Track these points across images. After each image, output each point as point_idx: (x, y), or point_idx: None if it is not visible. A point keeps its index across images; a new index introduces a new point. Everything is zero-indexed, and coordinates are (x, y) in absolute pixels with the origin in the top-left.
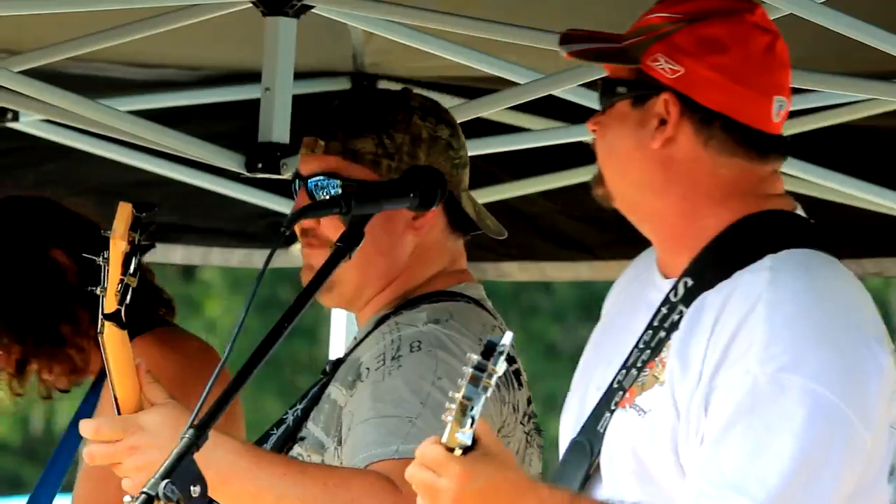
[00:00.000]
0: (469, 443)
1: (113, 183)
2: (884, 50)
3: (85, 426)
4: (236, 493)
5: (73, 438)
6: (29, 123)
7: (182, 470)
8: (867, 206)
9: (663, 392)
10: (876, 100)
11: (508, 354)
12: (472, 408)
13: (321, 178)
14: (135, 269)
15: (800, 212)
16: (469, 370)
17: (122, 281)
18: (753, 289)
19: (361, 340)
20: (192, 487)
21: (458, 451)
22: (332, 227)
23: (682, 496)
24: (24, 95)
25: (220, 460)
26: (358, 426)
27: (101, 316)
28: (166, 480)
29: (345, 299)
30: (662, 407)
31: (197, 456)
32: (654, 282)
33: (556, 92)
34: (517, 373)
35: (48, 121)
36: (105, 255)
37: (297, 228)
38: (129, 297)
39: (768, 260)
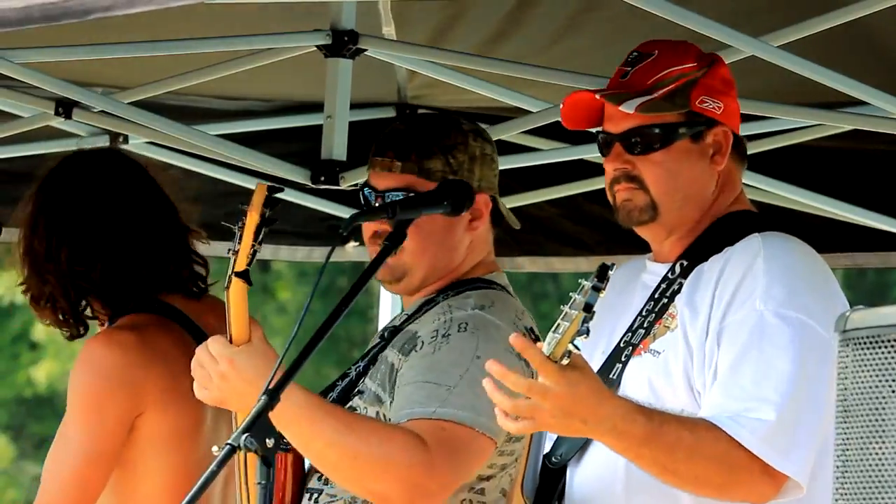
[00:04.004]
0: (580, 350)
1: (203, 193)
2: (829, 84)
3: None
4: (296, 434)
5: None
6: (136, 145)
7: (259, 426)
8: (815, 211)
9: (675, 335)
10: (822, 125)
11: (532, 333)
12: (590, 319)
13: (399, 192)
14: (262, 238)
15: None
16: (587, 290)
17: (253, 246)
18: (750, 250)
19: (413, 316)
20: (266, 440)
21: (566, 360)
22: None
23: (707, 410)
24: (132, 122)
25: (288, 407)
26: (405, 386)
27: (230, 272)
28: (246, 434)
29: (411, 288)
30: (676, 347)
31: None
32: (647, 268)
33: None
34: (531, 330)
35: (151, 142)
36: (241, 224)
37: (370, 230)
38: (255, 260)
39: (757, 235)
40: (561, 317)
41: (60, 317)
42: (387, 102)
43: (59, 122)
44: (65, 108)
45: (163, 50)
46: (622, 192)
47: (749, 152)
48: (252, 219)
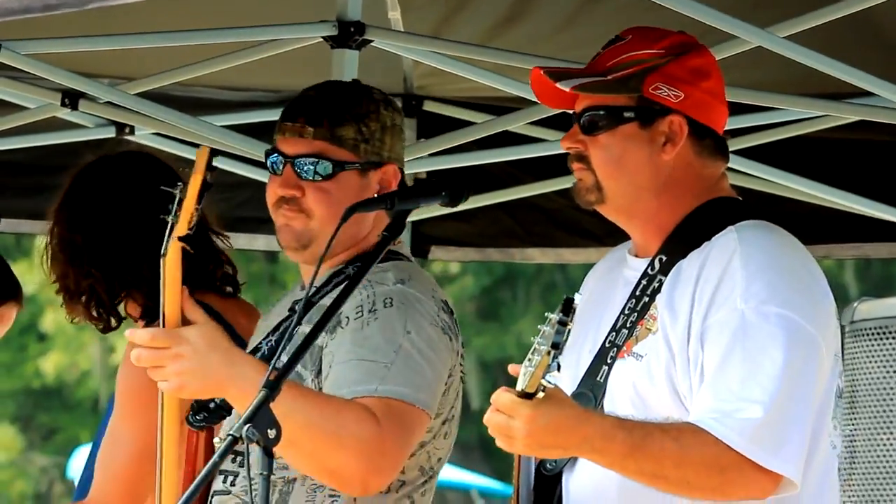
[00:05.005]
0: (554, 385)
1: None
2: (835, 75)
3: (138, 333)
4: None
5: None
6: (142, 136)
7: (261, 417)
8: (822, 201)
9: (656, 338)
10: (828, 116)
11: (447, 306)
12: (559, 355)
13: (310, 159)
14: (203, 201)
15: (738, 198)
16: (554, 324)
17: (196, 210)
18: (727, 247)
19: (323, 289)
20: (268, 430)
21: (541, 394)
22: (314, 200)
23: (696, 413)
24: (138, 113)
25: (244, 376)
26: (340, 365)
27: (167, 238)
28: (248, 425)
29: (316, 256)
30: (658, 351)
31: (225, 370)
32: (628, 263)
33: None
34: (455, 322)
35: (158, 133)
36: (181, 187)
37: (275, 195)
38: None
39: (732, 228)
40: (531, 350)
41: (94, 312)
42: (393, 93)
43: (65, 114)
44: (71, 99)
45: (169, 41)
46: (575, 172)
47: (755, 143)
48: (196, 181)
